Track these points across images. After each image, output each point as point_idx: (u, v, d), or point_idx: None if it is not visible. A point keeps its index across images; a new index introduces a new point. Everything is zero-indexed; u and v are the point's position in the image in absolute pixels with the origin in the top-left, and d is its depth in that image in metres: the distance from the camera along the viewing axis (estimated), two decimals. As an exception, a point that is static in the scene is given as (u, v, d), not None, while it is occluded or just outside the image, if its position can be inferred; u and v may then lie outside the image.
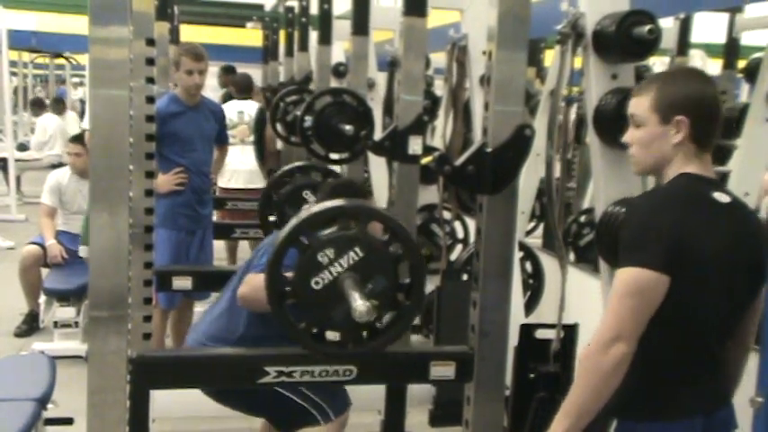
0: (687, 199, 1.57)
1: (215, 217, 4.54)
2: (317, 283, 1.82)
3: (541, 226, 5.03)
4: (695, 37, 4.25)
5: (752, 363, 1.71)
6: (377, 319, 1.87)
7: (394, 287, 1.87)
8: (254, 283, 2.21)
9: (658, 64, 4.47)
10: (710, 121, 1.60)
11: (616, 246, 2.13)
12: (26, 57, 13.10)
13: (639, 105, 1.63)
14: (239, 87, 5.84)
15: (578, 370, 1.56)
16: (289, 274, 1.83)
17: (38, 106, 9.97)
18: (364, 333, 1.90)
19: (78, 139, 4.59)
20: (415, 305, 1.92)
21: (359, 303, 1.73)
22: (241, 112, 5.57)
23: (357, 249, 1.82)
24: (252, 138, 5.47)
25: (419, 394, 3.09)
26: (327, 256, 1.81)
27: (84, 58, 11.33)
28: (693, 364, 1.60)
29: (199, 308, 3.96)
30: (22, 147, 9.17)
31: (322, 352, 1.95)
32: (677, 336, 1.56)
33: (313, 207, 1.93)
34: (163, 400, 2.71)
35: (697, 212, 1.55)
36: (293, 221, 1.86)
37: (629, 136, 1.67)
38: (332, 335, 1.94)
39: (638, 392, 1.57)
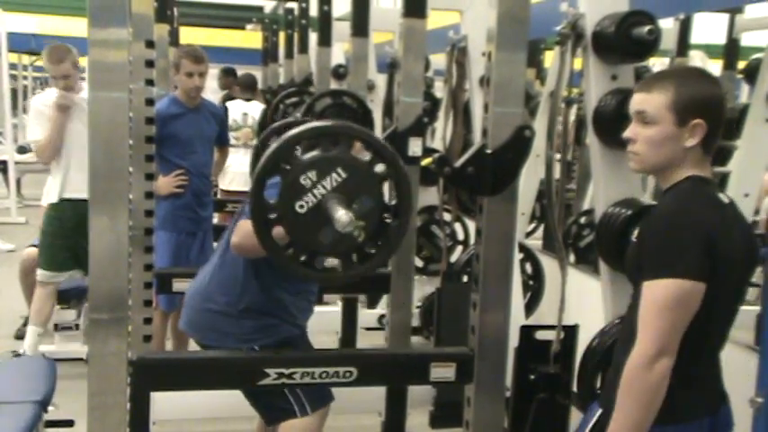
0: (707, 202, 1.54)
1: (216, 219, 4.54)
2: (301, 206, 1.79)
3: (542, 227, 5.04)
4: (695, 38, 4.25)
5: (751, 363, 1.71)
6: (365, 242, 1.85)
7: (380, 208, 1.84)
8: (245, 229, 2.14)
9: (658, 65, 4.47)
10: (720, 125, 1.56)
11: (616, 247, 2.14)
12: (26, 59, 13.10)
13: (652, 102, 1.55)
14: (243, 86, 5.84)
15: (624, 391, 1.51)
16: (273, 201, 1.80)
17: None
18: (354, 257, 1.88)
19: None
20: (403, 225, 1.89)
21: (341, 213, 1.72)
22: (245, 114, 5.57)
23: (340, 170, 1.79)
24: (255, 141, 5.47)
25: (419, 396, 3.08)
26: (310, 178, 1.79)
27: (83, 61, 11.33)
28: (700, 366, 1.59)
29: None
30: (22, 149, 9.16)
31: (312, 276, 1.92)
32: (696, 340, 1.53)
33: (292, 130, 1.88)
34: (163, 403, 2.71)
35: (716, 215, 1.53)
36: (273, 145, 1.83)
37: (633, 132, 1.60)
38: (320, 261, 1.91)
39: None
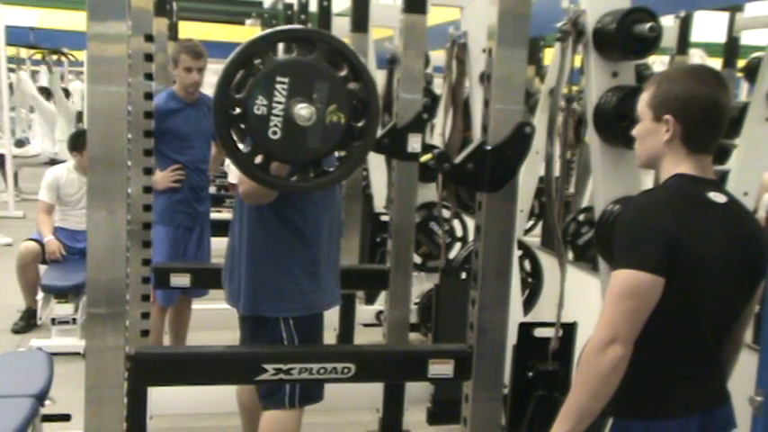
0: (680, 200, 1.57)
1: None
2: (265, 106, 1.77)
3: (540, 224, 5.03)
4: (695, 36, 4.24)
5: (751, 362, 1.70)
6: (323, 154, 1.86)
7: (346, 126, 1.83)
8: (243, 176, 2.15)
9: (658, 63, 4.47)
10: (703, 124, 1.58)
11: (613, 245, 2.14)
12: (24, 53, 13.05)
13: (641, 100, 1.65)
14: None
15: (577, 372, 1.57)
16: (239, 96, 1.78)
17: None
18: (311, 171, 1.87)
19: (78, 137, 4.57)
20: (365, 147, 1.89)
21: (300, 107, 1.70)
22: None
23: (311, 78, 1.77)
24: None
25: (417, 392, 3.08)
26: (280, 81, 1.76)
27: (82, 55, 11.32)
28: (689, 364, 1.60)
29: (197, 305, 3.95)
30: (20, 143, 9.15)
31: (261, 181, 1.91)
32: (673, 335, 1.57)
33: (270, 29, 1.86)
34: (160, 397, 2.71)
35: (691, 213, 1.56)
36: (245, 43, 1.81)
37: (635, 129, 1.69)
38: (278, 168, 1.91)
39: (634, 391, 1.57)
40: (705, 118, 1.58)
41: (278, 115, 1.78)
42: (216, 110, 1.81)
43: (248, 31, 9.91)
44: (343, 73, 1.86)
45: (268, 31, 1.84)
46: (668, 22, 4.05)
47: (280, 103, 1.78)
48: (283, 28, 1.84)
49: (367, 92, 1.85)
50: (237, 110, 1.80)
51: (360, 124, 1.87)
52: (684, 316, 1.55)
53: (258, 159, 1.87)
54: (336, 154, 2.02)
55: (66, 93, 11.54)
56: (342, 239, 2.60)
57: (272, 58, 1.79)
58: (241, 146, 1.95)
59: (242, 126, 1.85)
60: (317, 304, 2.44)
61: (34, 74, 12.73)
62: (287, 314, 2.35)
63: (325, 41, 1.83)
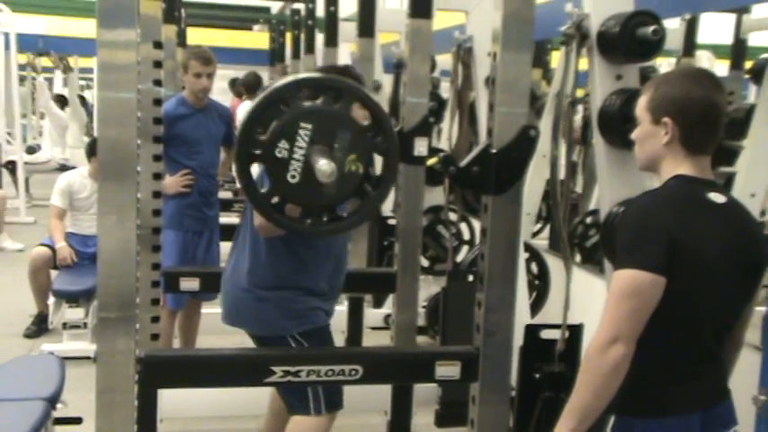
0: (680, 200, 1.59)
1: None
2: (287, 150, 1.80)
3: (548, 227, 5.03)
4: (702, 38, 4.24)
5: (754, 361, 1.71)
6: (339, 202, 1.89)
7: (364, 175, 1.86)
8: None
9: (665, 65, 4.47)
10: (700, 125, 1.59)
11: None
12: (37, 60, 13.14)
13: (639, 104, 1.66)
14: (247, 87, 5.85)
15: (580, 371, 1.58)
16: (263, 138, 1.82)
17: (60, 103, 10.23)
18: (324, 216, 1.90)
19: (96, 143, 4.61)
20: (381, 197, 1.92)
21: (322, 163, 1.74)
22: None
23: (334, 126, 1.81)
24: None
25: (425, 395, 3.09)
26: (303, 127, 1.80)
27: (88, 61, 11.41)
28: (691, 362, 1.61)
29: (206, 309, 3.98)
30: (31, 149, 9.21)
31: (276, 221, 1.94)
32: (674, 334, 1.58)
33: (298, 75, 1.92)
34: (170, 400, 2.73)
35: (691, 213, 1.57)
36: (274, 85, 1.86)
37: (634, 133, 1.70)
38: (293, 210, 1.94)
39: (635, 389, 1.58)
40: (702, 119, 1.59)
41: (298, 160, 1.82)
42: (239, 150, 1.84)
43: (256, 37, 9.96)
44: (367, 122, 1.89)
45: (297, 76, 1.88)
46: (675, 25, 4.06)
47: (301, 148, 1.82)
48: (312, 76, 1.90)
49: (388, 146, 1.87)
50: (259, 150, 1.84)
51: (377, 174, 1.90)
52: (685, 315, 1.56)
53: (275, 200, 1.90)
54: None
55: (83, 100, 11.67)
56: (348, 248, 2.61)
57: (297, 104, 1.82)
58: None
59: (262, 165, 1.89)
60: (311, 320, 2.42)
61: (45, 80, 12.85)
62: (289, 331, 2.37)
63: (353, 93, 1.87)
